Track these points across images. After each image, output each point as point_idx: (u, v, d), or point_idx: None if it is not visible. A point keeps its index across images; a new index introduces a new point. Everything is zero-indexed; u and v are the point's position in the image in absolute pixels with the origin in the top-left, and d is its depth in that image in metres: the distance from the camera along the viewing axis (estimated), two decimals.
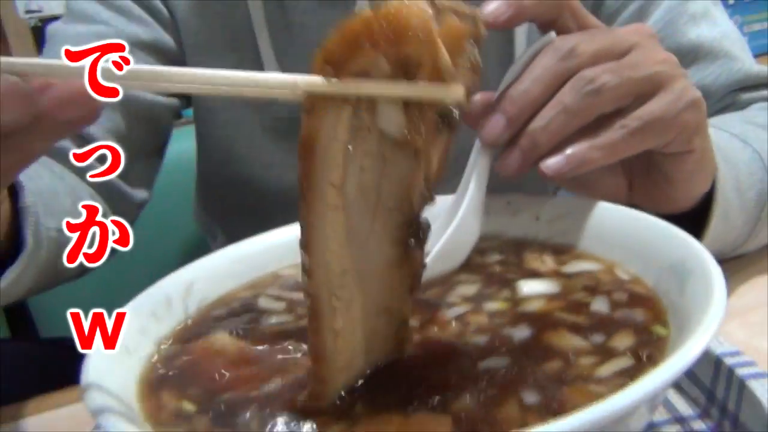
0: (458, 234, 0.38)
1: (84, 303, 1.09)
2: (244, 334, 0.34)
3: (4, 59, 0.25)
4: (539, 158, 0.37)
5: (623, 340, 0.30)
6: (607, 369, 0.28)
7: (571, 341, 0.30)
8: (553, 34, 0.39)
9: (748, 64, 0.66)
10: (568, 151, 0.37)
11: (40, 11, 1.49)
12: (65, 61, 0.26)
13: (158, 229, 1.00)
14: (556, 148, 0.37)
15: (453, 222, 0.38)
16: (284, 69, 0.66)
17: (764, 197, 0.50)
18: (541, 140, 0.36)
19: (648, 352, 0.28)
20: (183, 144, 0.89)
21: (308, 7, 0.64)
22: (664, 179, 0.42)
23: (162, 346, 0.34)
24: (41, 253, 0.50)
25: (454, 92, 0.27)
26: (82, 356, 0.84)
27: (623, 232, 0.36)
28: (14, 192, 0.48)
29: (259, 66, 0.66)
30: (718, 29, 0.66)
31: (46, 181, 0.53)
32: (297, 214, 0.43)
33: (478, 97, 0.38)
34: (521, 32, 0.65)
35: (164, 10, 0.67)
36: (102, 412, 0.26)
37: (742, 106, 0.65)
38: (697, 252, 0.30)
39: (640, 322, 0.31)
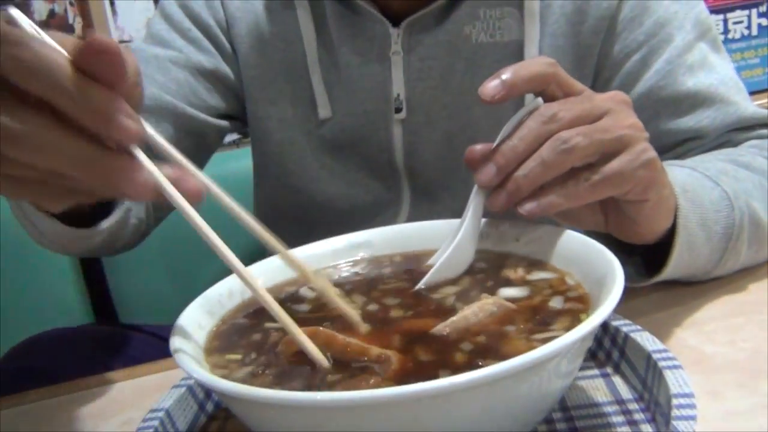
0: (455, 255, 0.50)
1: (159, 294, 1.25)
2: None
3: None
4: (520, 199, 0.47)
5: (563, 323, 0.41)
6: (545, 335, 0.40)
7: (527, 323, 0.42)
8: (540, 100, 0.48)
9: (743, 107, 0.72)
10: (540, 198, 0.46)
11: (131, 41, 1.66)
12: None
13: (222, 235, 1.13)
14: (534, 192, 0.47)
15: (451, 245, 0.50)
16: (332, 100, 0.77)
17: (730, 230, 0.58)
18: (522, 185, 0.46)
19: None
20: (242, 163, 1.01)
21: (351, 51, 0.76)
22: (629, 219, 0.51)
23: (222, 325, 0.47)
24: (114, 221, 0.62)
25: None
26: (156, 338, 0.98)
27: (575, 252, 0.47)
28: None
29: (311, 96, 0.78)
30: (715, 76, 0.72)
31: None
32: (336, 223, 0.56)
33: (479, 147, 0.49)
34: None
35: (227, 45, 0.79)
36: (181, 358, 0.38)
37: (735, 144, 0.72)
38: (614, 269, 0.40)
39: (576, 311, 0.42)
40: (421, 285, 0.49)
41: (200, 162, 0.83)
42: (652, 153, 0.49)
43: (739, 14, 1.74)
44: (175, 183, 0.39)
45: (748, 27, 1.74)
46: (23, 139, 0.35)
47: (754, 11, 1.74)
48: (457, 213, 0.80)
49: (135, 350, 0.89)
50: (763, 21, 1.75)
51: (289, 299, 0.50)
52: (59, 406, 0.60)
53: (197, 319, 0.45)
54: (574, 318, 0.41)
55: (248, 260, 0.46)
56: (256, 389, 0.33)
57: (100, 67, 0.35)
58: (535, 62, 0.48)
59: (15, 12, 0.38)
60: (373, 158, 0.79)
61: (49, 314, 1.15)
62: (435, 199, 0.80)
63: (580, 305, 0.42)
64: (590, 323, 0.34)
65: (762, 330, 0.54)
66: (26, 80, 0.34)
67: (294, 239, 0.52)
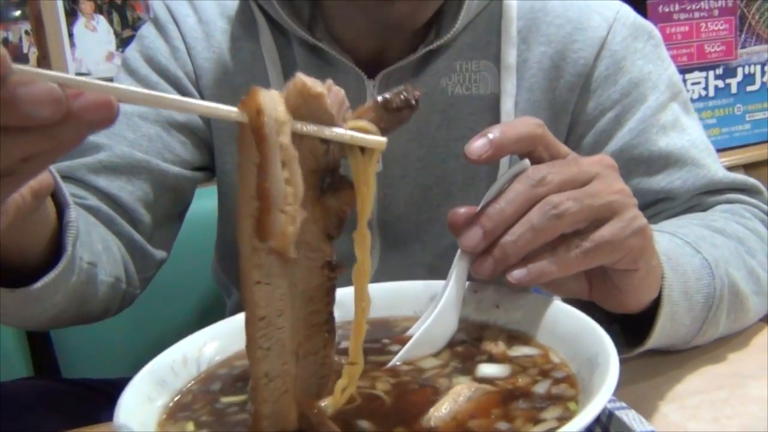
0: (435, 326, 0.46)
1: (105, 347, 1.18)
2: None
3: (46, 71, 0.31)
4: (508, 267, 0.44)
5: (554, 412, 0.38)
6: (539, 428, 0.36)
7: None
8: (527, 161, 0.46)
9: (713, 170, 0.72)
10: (530, 265, 0.44)
11: (89, 74, 1.61)
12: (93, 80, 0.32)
13: (177, 284, 1.08)
14: (522, 259, 0.44)
15: (431, 316, 0.46)
16: None
17: (711, 300, 0.57)
18: (510, 252, 0.43)
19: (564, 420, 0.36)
20: (202, 203, 0.97)
21: None
22: (615, 288, 0.49)
23: (175, 397, 0.42)
24: (73, 276, 0.56)
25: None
26: (102, 396, 0.91)
27: (561, 325, 0.44)
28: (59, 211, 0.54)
29: None
30: (687, 138, 0.72)
31: (82, 224, 0.59)
32: None
33: (463, 210, 0.46)
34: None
35: (196, 95, 0.76)
36: None
37: (706, 208, 0.72)
38: (607, 349, 0.37)
39: (564, 397, 0.39)
40: (396, 361, 0.45)
41: (179, 216, 0.80)
42: (643, 221, 0.47)
43: (697, 75, 1.79)
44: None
45: (705, 88, 1.79)
46: None
47: (711, 73, 1.79)
48: (428, 266, 0.77)
49: (78, 408, 0.83)
50: (720, 83, 1.80)
51: (246, 376, 0.45)
52: None
53: (146, 392, 0.40)
54: (564, 408, 0.37)
55: (204, 311, 0.42)
56: None
57: None
58: (523, 122, 0.46)
59: None
60: None
61: None
62: (405, 251, 0.77)
63: (568, 390, 0.39)
64: (587, 415, 0.31)
65: (745, 405, 0.52)
66: None
67: None
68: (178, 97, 0.35)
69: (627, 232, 0.45)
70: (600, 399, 0.32)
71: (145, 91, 0.33)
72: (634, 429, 0.43)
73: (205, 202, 0.93)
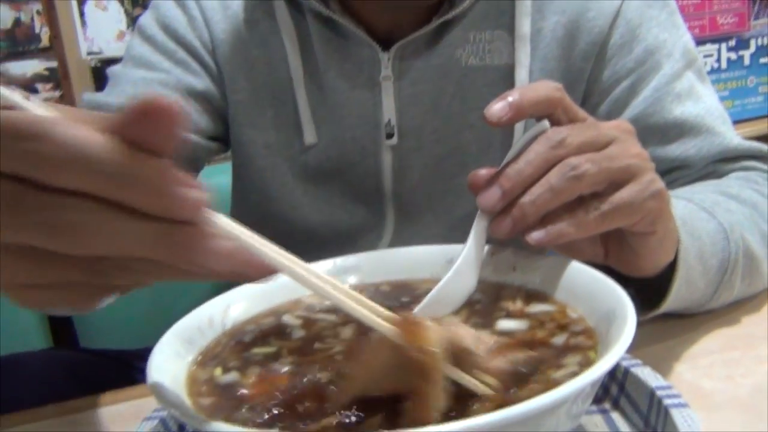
0: (453, 283, 0.46)
1: (123, 319, 1.20)
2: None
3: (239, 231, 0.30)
4: (525, 227, 0.45)
5: (574, 359, 0.39)
6: (561, 373, 0.37)
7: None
8: (546, 123, 0.46)
9: (728, 138, 0.72)
10: (549, 226, 0.44)
11: (100, 53, 1.62)
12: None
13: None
14: (540, 221, 0.45)
15: (449, 272, 0.47)
16: (317, 126, 0.75)
17: (726, 264, 0.57)
18: (528, 212, 0.44)
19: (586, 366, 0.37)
20: (219, 179, 0.98)
21: (338, 74, 0.74)
22: (632, 252, 0.49)
23: (200, 355, 0.44)
24: None
25: None
26: (122, 365, 0.93)
27: (578, 284, 0.44)
28: None
29: (296, 122, 0.75)
30: (702, 106, 0.72)
31: None
32: (316, 249, 0.52)
33: (483, 171, 0.46)
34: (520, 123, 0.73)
35: (214, 67, 0.76)
36: (160, 397, 0.35)
37: (721, 175, 0.72)
38: (623, 302, 0.38)
39: (582, 347, 0.40)
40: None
41: None
42: (660, 184, 0.47)
43: (710, 47, 1.77)
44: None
45: (718, 60, 1.78)
46: (72, 229, 0.27)
47: (723, 45, 1.78)
48: (441, 238, 0.78)
49: (97, 377, 0.84)
50: (732, 55, 1.79)
51: (274, 331, 0.47)
52: None
53: (175, 349, 0.42)
54: (584, 355, 0.38)
55: (219, 284, 0.43)
56: None
57: (147, 133, 0.27)
58: (543, 86, 0.46)
59: (9, 92, 0.28)
60: (358, 184, 0.77)
61: (5, 338, 1.09)
62: (419, 223, 0.78)
63: (587, 341, 0.40)
64: (611, 359, 0.32)
65: (759, 365, 0.52)
66: (54, 176, 0.27)
67: None
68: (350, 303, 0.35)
69: (645, 195, 0.45)
70: (620, 346, 0.33)
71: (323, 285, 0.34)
72: (650, 384, 0.45)
73: (221, 178, 0.94)
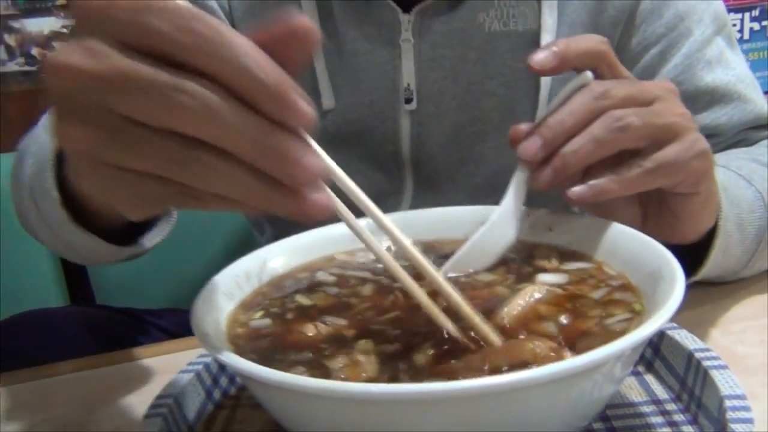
0: (491, 234, 0.46)
1: (139, 278, 1.20)
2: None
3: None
4: (566, 178, 0.44)
5: (620, 309, 0.39)
6: (612, 320, 0.38)
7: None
8: (589, 74, 0.45)
9: (759, 104, 0.71)
10: (591, 181, 0.44)
11: None
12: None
13: (208, 219, 1.09)
14: (581, 178, 0.44)
15: (488, 222, 0.46)
16: (335, 90, 0.74)
17: (762, 232, 0.57)
18: (570, 162, 0.43)
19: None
20: None
21: (357, 37, 0.72)
22: (672, 215, 0.49)
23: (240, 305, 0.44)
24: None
25: None
26: (141, 323, 0.93)
27: (617, 244, 0.44)
28: None
29: (313, 85, 0.74)
30: (733, 73, 0.71)
31: None
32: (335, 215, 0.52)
33: (525, 125, 0.46)
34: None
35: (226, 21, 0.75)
36: (204, 339, 0.35)
37: (752, 143, 0.71)
38: (670, 262, 0.38)
39: (625, 301, 0.40)
40: (450, 265, 0.45)
41: None
42: (705, 144, 0.46)
43: (733, 17, 1.74)
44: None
45: (741, 30, 1.75)
46: (193, 109, 0.30)
47: (746, 15, 1.75)
48: (461, 204, 0.78)
49: (118, 333, 0.85)
50: (755, 25, 1.76)
51: (310, 286, 0.47)
52: (52, 386, 0.56)
53: (215, 301, 0.42)
54: (628, 308, 0.38)
55: (234, 247, 0.43)
56: (313, 381, 0.30)
57: (288, 53, 0.33)
58: (589, 38, 0.45)
59: None
60: (377, 149, 0.76)
61: (23, 295, 1.09)
62: (438, 190, 0.77)
63: (629, 295, 0.39)
64: (666, 312, 0.32)
65: None
66: (205, 59, 0.30)
67: (287, 229, 0.49)
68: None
69: (690, 154, 0.45)
70: (673, 301, 0.33)
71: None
72: (688, 347, 0.44)
73: None
